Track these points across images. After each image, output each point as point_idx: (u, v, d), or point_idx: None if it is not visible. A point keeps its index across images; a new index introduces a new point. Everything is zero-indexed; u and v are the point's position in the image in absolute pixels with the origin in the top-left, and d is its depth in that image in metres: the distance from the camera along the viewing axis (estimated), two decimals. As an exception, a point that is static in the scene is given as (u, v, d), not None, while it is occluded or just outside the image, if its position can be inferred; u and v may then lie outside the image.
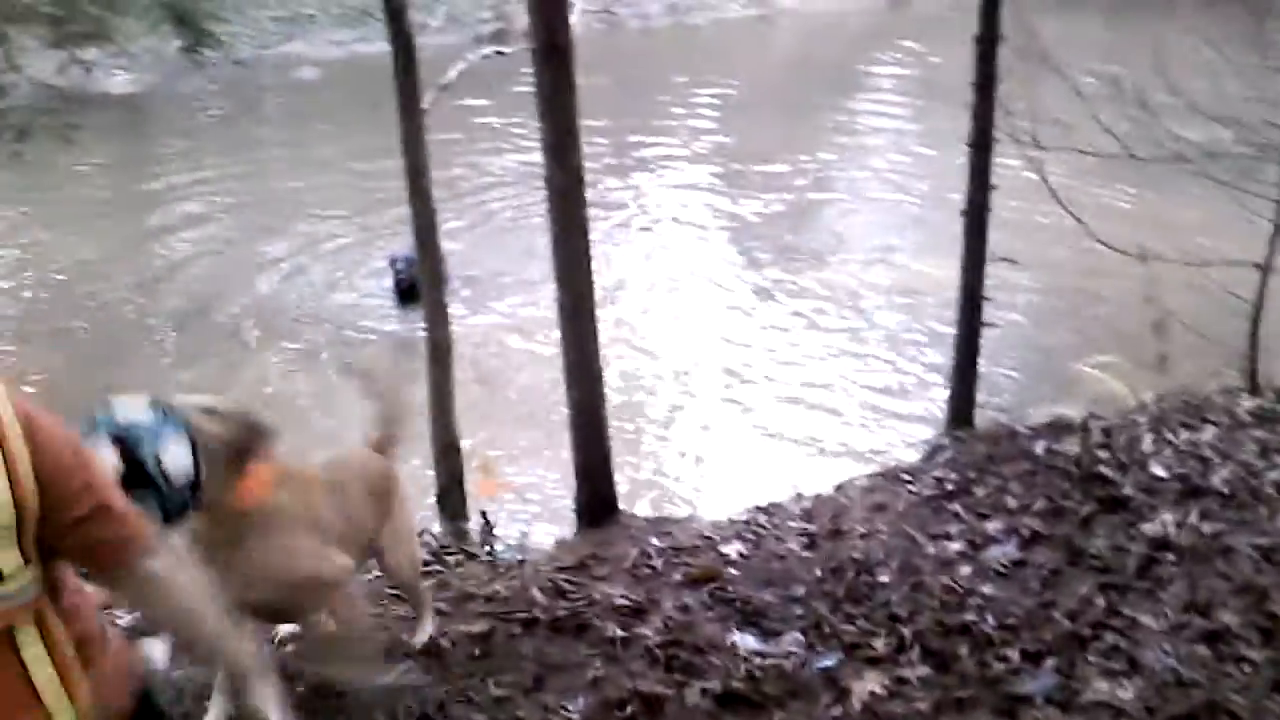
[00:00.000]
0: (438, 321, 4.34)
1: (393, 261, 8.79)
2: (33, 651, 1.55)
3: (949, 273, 5.17)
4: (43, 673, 1.56)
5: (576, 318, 4.06)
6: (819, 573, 3.69)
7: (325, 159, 12.51)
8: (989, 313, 4.99)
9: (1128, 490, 3.94)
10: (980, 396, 5.20)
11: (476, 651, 3.27)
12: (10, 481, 1.47)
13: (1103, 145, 5.40)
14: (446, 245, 4.83)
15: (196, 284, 9.36)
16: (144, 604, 1.67)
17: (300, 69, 16.52)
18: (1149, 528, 3.68)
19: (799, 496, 4.75)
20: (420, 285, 8.04)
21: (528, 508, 5.69)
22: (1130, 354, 6.38)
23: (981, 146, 4.62)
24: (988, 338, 5.10)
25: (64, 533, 1.54)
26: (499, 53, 5.08)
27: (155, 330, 8.60)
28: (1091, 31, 12.73)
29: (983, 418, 5.18)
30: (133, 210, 11.39)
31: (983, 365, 5.14)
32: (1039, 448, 4.25)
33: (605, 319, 7.51)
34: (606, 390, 4.35)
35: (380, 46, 4.34)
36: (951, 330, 5.13)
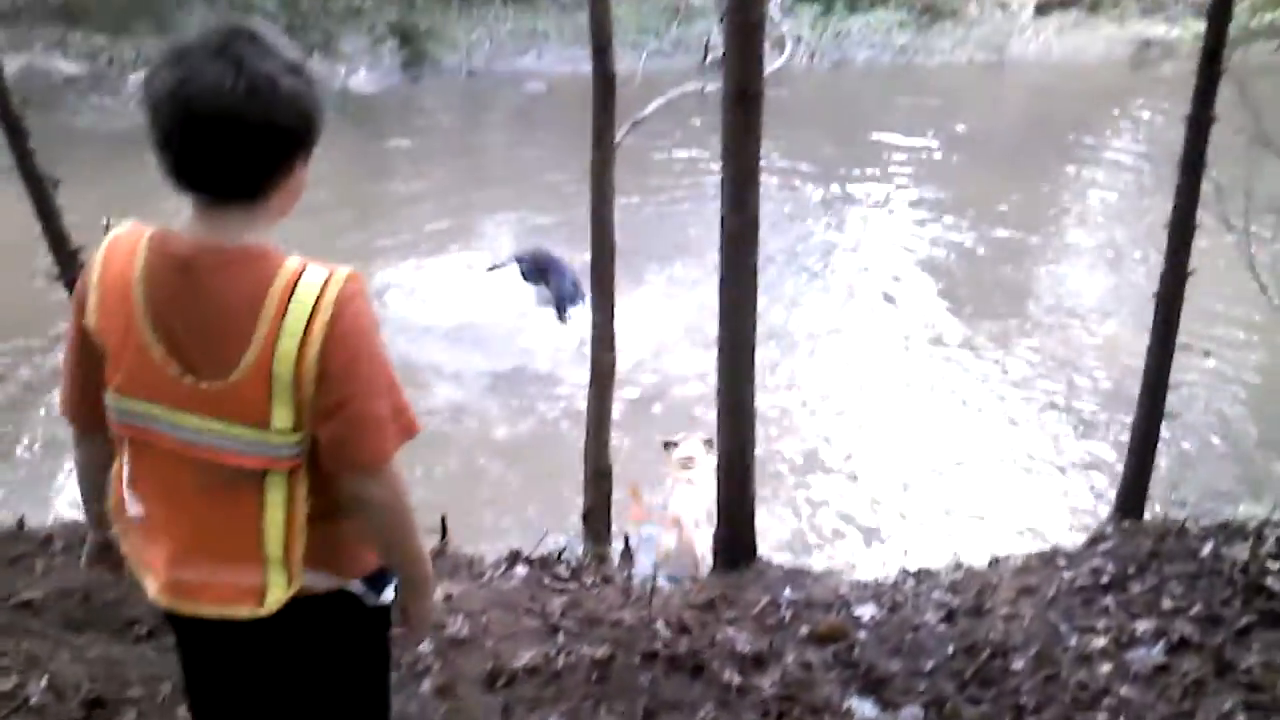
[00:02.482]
0: (604, 344, 4.45)
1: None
2: (274, 498, 1.77)
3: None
4: (274, 518, 1.77)
5: (736, 358, 4.09)
6: (951, 649, 3.60)
7: (527, 167, 13.00)
8: (1178, 400, 4.75)
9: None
10: (1159, 488, 4.96)
11: (594, 676, 3.35)
12: (300, 349, 1.68)
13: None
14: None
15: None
16: (354, 511, 1.84)
17: (528, 83, 17.15)
18: (1311, 650, 3.43)
19: (957, 565, 4.64)
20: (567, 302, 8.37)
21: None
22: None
23: (1183, 228, 4.40)
24: (1175, 425, 4.86)
25: (318, 418, 1.74)
26: (700, 91, 5.14)
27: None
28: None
29: (1158, 509, 4.93)
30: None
31: (1165, 454, 4.90)
32: (1205, 549, 4.02)
33: (768, 358, 7.52)
34: (764, 431, 4.36)
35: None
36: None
